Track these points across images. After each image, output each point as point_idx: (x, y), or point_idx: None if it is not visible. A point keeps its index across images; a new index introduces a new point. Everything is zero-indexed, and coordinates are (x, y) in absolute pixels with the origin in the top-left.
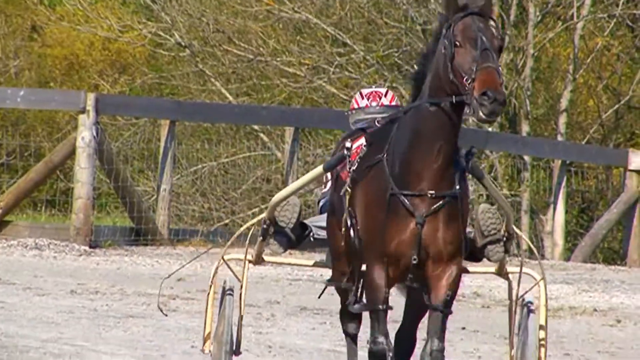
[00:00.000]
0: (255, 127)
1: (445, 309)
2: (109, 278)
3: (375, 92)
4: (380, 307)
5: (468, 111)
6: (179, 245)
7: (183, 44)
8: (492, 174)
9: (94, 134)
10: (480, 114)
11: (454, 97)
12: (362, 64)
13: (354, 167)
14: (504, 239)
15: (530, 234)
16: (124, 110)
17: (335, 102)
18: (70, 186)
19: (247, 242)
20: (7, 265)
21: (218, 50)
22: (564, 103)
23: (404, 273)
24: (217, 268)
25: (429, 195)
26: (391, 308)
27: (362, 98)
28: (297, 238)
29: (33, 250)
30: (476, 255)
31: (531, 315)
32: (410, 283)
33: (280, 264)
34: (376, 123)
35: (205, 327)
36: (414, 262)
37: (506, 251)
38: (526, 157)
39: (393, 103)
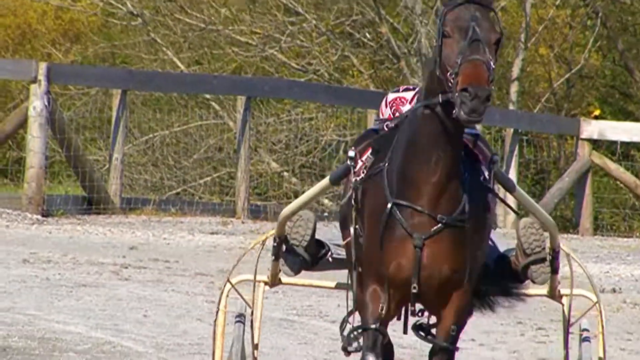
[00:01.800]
0: (207, 96)
1: (451, 345)
2: (62, 247)
3: (400, 98)
4: (372, 325)
5: (454, 111)
6: (131, 214)
7: (135, 12)
8: None
9: (46, 103)
10: (461, 113)
11: (439, 96)
12: (313, 32)
13: (359, 177)
14: (550, 257)
15: None
16: (76, 80)
17: (286, 71)
18: (23, 155)
19: (256, 261)
20: None
21: (169, 19)
22: (515, 71)
23: (405, 300)
24: (224, 292)
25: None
26: (384, 334)
27: (386, 107)
28: (312, 258)
29: None
30: (519, 276)
31: (586, 343)
32: (416, 313)
33: (301, 285)
34: (385, 127)
35: None
36: (414, 290)
37: (553, 271)
38: (478, 126)
39: None
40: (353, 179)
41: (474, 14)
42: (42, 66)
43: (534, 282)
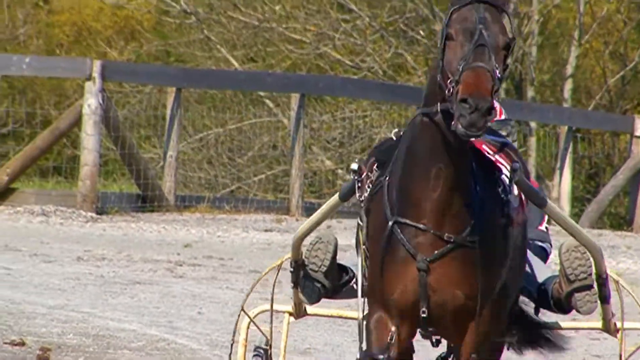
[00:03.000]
0: (261, 93)
1: None
2: (116, 245)
3: None
4: (379, 356)
5: (453, 124)
6: (185, 212)
7: (188, 10)
8: None
9: (100, 101)
10: (459, 126)
11: (438, 104)
12: (367, 29)
13: (365, 194)
14: (597, 284)
15: None
16: (131, 78)
17: (340, 68)
18: (77, 153)
19: (273, 288)
20: (13, 232)
21: (223, 17)
22: (569, 69)
23: (414, 326)
24: (243, 325)
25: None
26: None
27: None
28: (333, 284)
29: (40, 217)
30: (562, 305)
31: None
32: (433, 343)
33: (329, 316)
34: (393, 136)
35: None
36: (424, 315)
37: (603, 300)
38: (532, 124)
39: (503, 115)
40: (357, 196)
41: (482, 15)
42: (97, 64)
43: (579, 311)
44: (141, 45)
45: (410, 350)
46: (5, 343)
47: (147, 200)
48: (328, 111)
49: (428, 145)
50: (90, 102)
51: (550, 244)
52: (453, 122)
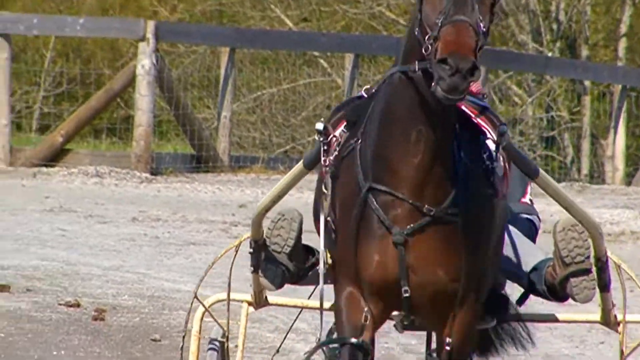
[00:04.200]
0: (316, 53)
1: None
2: (170, 205)
3: None
4: (351, 340)
5: (432, 86)
6: (239, 172)
7: None
8: (550, 98)
9: (154, 61)
10: (438, 89)
11: (416, 63)
12: None
13: (331, 158)
14: (594, 267)
15: (590, 159)
16: (184, 38)
17: (394, 28)
18: (131, 114)
19: (230, 272)
20: (68, 193)
21: None
22: (623, 28)
23: (390, 306)
24: (197, 315)
25: (413, 205)
26: (367, 349)
27: None
28: (298, 268)
29: (94, 178)
30: (557, 291)
31: None
32: (405, 322)
33: (293, 306)
34: (364, 94)
35: None
36: (406, 294)
37: (602, 288)
38: (586, 83)
39: (473, 88)
40: (322, 160)
41: None
42: (151, 24)
43: (574, 299)
44: (194, 5)
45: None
46: (61, 304)
47: (201, 161)
48: (382, 71)
49: (406, 107)
50: (144, 63)
51: (538, 217)
52: (432, 84)
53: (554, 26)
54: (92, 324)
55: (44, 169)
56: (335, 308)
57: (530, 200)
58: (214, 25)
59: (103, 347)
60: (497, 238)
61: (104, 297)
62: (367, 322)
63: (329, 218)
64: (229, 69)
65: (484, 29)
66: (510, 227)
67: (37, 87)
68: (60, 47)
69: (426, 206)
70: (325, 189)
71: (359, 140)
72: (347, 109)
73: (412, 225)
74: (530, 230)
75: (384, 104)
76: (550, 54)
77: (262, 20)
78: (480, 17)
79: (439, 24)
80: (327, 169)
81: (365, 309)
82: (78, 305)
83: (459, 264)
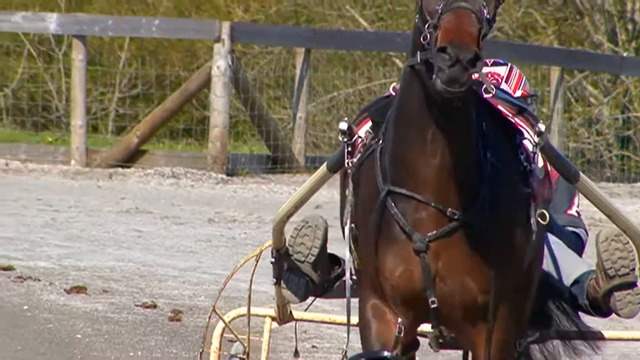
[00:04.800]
0: (391, 53)
1: None
2: (247, 206)
3: (492, 74)
4: (382, 354)
5: (433, 78)
6: (315, 172)
7: None
8: (627, 98)
9: (229, 62)
10: (437, 82)
11: (418, 54)
12: None
13: (354, 160)
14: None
15: None
16: (259, 39)
17: None
18: (207, 115)
19: (250, 285)
20: (144, 194)
21: None
22: None
23: (418, 317)
24: (216, 331)
25: (438, 209)
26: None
27: None
28: (322, 279)
29: (170, 179)
30: (600, 306)
31: None
32: (440, 339)
33: (320, 322)
34: (391, 92)
35: None
36: (433, 305)
37: None
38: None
39: (519, 91)
40: (346, 162)
41: None
42: (226, 25)
43: (617, 314)
44: (269, 6)
45: (415, 346)
46: (137, 306)
47: (277, 162)
48: None
49: (418, 103)
50: (220, 64)
51: (585, 231)
52: (433, 77)
53: (629, 26)
54: (168, 324)
55: (120, 170)
56: (360, 322)
57: (578, 212)
58: (289, 25)
59: (179, 347)
60: (536, 245)
61: (180, 298)
62: (401, 334)
63: (353, 225)
64: (305, 69)
65: (489, 16)
66: (550, 236)
67: (112, 88)
68: (134, 49)
69: (450, 210)
70: (348, 193)
71: (380, 141)
72: (372, 108)
73: (435, 231)
74: (576, 244)
75: (397, 101)
76: (625, 54)
77: (337, 21)
78: (484, 4)
79: (439, 11)
80: (350, 171)
81: (400, 320)
82: (155, 307)
83: (490, 274)
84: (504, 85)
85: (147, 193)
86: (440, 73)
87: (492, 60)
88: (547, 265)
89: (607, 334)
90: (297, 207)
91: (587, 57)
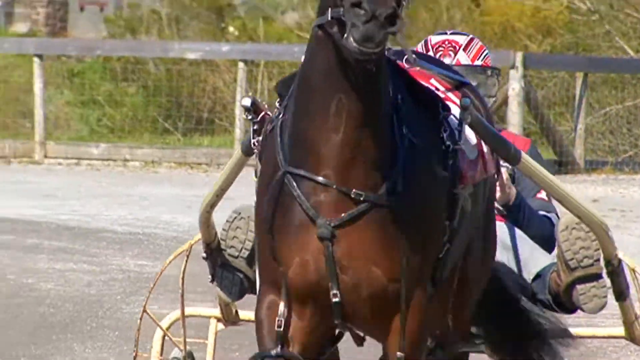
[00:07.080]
0: None
1: None
2: None
3: (450, 41)
4: (271, 352)
5: (344, 37)
6: (592, 173)
7: (592, 9)
8: None
9: (522, 85)
10: (350, 40)
11: (329, 11)
12: None
13: (259, 138)
14: (608, 272)
15: None
16: (546, 66)
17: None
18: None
19: (182, 284)
20: None
21: (621, 14)
22: None
23: (322, 314)
24: (156, 336)
25: (341, 191)
26: None
27: (429, 51)
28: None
29: None
30: (563, 301)
31: None
32: (343, 329)
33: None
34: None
35: None
36: (336, 300)
37: (618, 296)
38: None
39: (479, 61)
40: (252, 142)
41: None
42: (518, 55)
43: (582, 309)
44: (555, 39)
45: (327, 348)
46: None
47: (561, 165)
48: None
49: (323, 70)
50: (514, 86)
51: (557, 215)
52: (345, 35)
53: None
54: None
55: None
56: (255, 321)
57: (548, 196)
58: (570, 54)
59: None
60: (469, 231)
61: None
62: (290, 332)
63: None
64: (583, 90)
65: None
66: (505, 227)
67: None
68: None
69: (354, 191)
70: (255, 175)
71: (282, 115)
72: (282, 81)
73: (343, 215)
74: (548, 230)
75: (300, 68)
76: None
77: (609, 50)
78: None
79: None
80: (256, 148)
81: (285, 312)
82: None
83: (396, 260)
84: (461, 54)
85: None
86: (353, 30)
87: (452, 30)
88: (505, 258)
89: (581, 331)
90: (218, 195)
91: None
